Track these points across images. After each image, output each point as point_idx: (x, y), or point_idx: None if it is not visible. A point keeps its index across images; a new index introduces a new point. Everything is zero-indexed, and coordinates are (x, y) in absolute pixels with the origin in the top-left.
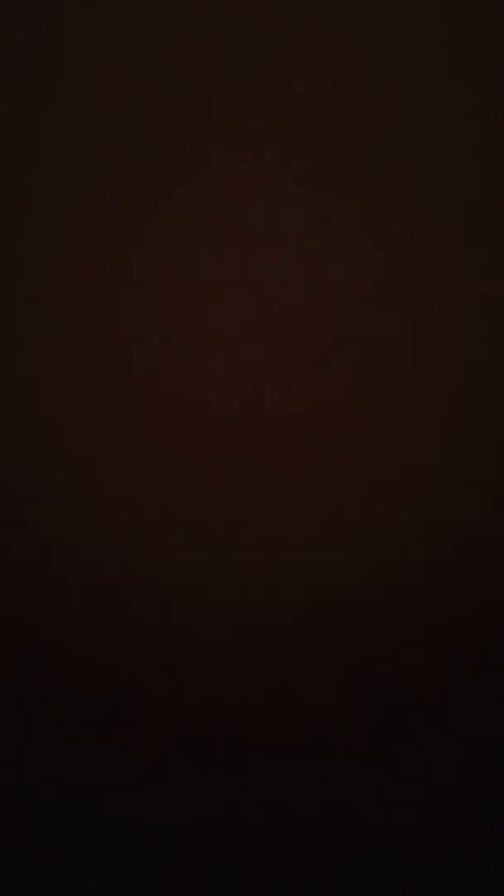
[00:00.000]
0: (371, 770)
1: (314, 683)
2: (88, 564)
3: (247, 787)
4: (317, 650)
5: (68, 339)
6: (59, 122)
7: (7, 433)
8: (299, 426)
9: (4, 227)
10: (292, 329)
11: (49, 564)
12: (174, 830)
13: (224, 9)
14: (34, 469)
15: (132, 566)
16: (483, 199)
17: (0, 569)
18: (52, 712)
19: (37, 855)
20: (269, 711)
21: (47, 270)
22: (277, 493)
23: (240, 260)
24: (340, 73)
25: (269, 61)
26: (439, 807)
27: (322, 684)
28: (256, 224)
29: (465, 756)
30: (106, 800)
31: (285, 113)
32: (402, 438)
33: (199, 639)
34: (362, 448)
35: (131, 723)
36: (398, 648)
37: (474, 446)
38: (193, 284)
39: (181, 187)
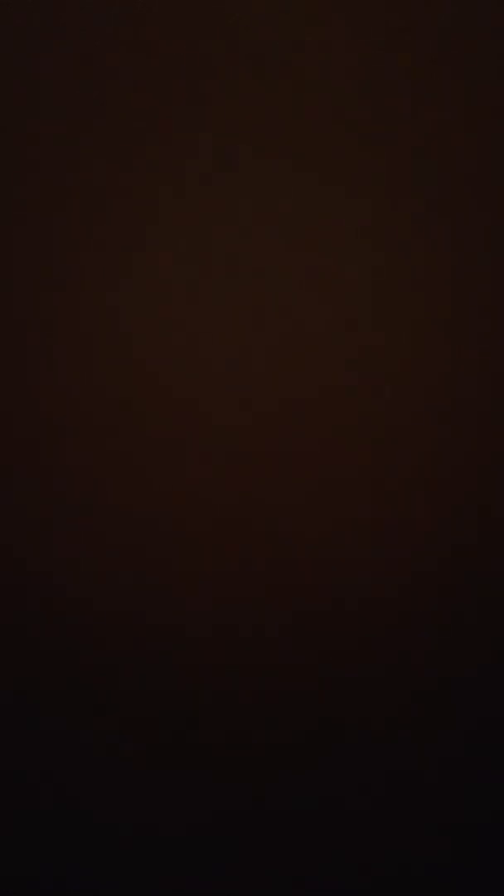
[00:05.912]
0: (370, 772)
1: (314, 685)
2: (87, 564)
3: (247, 786)
4: (315, 651)
5: (69, 339)
6: (59, 121)
7: (7, 432)
8: (299, 429)
9: (4, 226)
10: (291, 325)
11: (48, 565)
12: (173, 832)
13: (225, 10)
14: (34, 471)
15: (132, 569)
16: (484, 202)
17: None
18: (51, 716)
19: (35, 855)
20: (269, 713)
21: (47, 271)
22: (277, 495)
23: (240, 261)
24: (343, 72)
25: (272, 61)
26: (438, 806)
27: (321, 687)
28: (257, 225)
29: (465, 758)
30: (104, 798)
31: (287, 114)
32: (403, 441)
33: (197, 639)
34: (363, 453)
35: (130, 723)
36: (397, 654)
37: (475, 448)
38: (193, 287)
39: (181, 188)
